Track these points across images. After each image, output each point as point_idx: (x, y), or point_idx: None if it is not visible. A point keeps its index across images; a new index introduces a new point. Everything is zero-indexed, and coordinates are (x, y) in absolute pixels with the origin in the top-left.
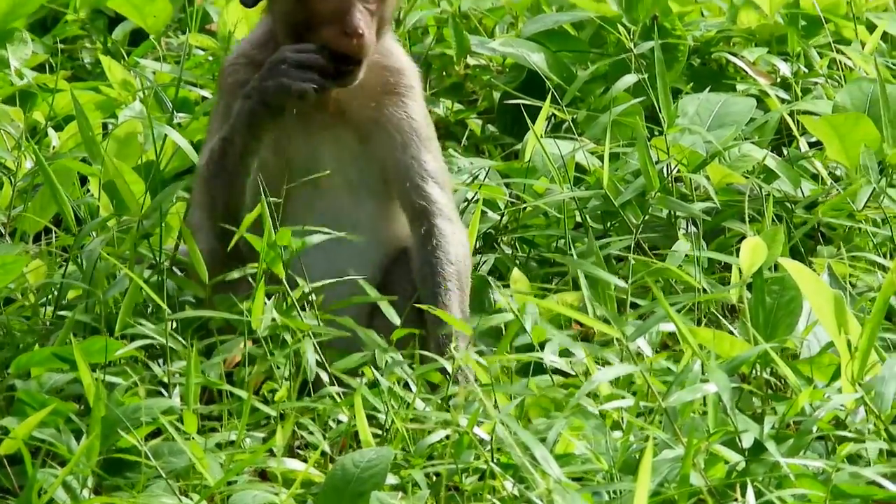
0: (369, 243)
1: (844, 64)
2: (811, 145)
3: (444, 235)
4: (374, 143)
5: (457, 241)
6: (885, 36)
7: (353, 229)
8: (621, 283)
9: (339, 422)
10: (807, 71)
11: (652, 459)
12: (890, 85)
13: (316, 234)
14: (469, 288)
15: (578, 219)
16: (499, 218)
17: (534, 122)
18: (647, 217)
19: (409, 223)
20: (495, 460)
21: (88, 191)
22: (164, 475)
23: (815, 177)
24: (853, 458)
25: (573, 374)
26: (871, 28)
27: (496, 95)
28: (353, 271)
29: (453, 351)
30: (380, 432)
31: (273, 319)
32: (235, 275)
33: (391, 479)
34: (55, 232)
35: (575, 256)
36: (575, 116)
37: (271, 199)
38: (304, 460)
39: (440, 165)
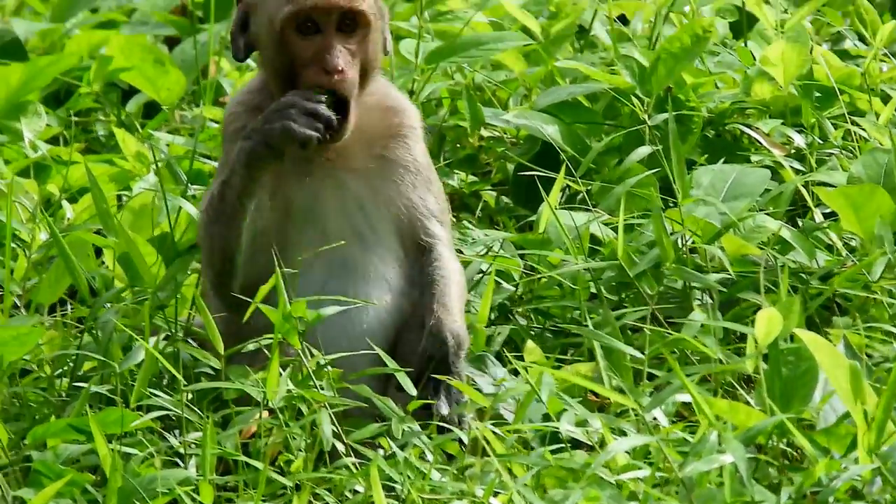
0: (381, 293)
1: (859, 135)
2: (826, 216)
3: (443, 256)
4: (379, 185)
5: (455, 261)
6: None
7: (363, 278)
8: (637, 354)
9: (355, 492)
10: (821, 142)
11: None
12: None
13: (330, 298)
14: (466, 297)
15: (593, 290)
16: (513, 289)
17: (548, 194)
18: (662, 288)
19: (413, 257)
20: None
21: (103, 262)
22: None
23: (830, 248)
24: None
25: (589, 444)
26: (886, 99)
27: (510, 167)
28: (367, 326)
29: (468, 420)
30: (396, 503)
31: (288, 390)
32: (251, 346)
33: None
34: (70, 303)
35: (590, 327)
36: (589, 188)
37: (285, 269)
38: None
39: (442, 204)
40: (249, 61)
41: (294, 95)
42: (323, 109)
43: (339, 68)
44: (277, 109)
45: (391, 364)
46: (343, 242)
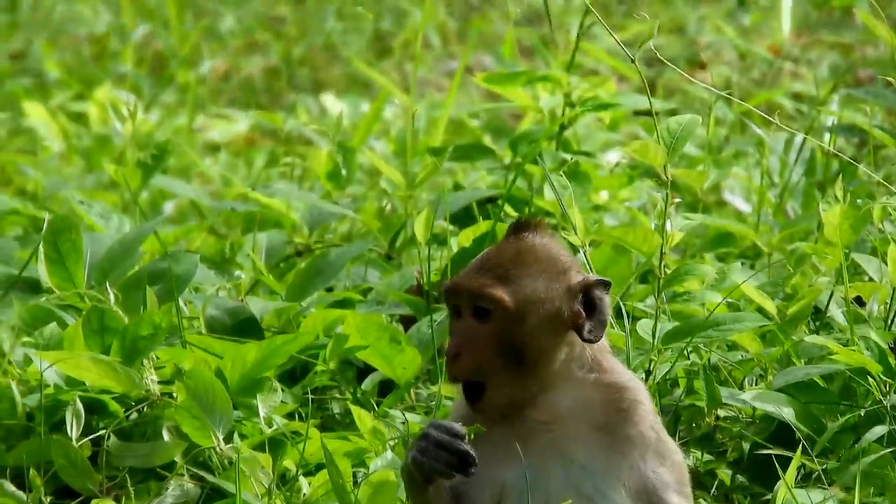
0: None
1: None
2: None
3: None
4: (605, 456)
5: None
6: None
7: None
8: None
9: None
10: None
11: None
12: None
13: None
14: None
15: None
16: None
17: (784, 472)
18: None
19: None
20: None
21: None
22: None
23: None
24: None
25: None
26: None
27: (746, 446)
28: None
29: None
30: None
31: None
32: None
33: None
34: None
35: None
36: (825, 466)
37: None
38: None
39: (679, 476)
40: None
41: (431, 426)
42: (457, 444)
43: (450, 354)
44: (417, 438)
45: None
46: (570, 501)
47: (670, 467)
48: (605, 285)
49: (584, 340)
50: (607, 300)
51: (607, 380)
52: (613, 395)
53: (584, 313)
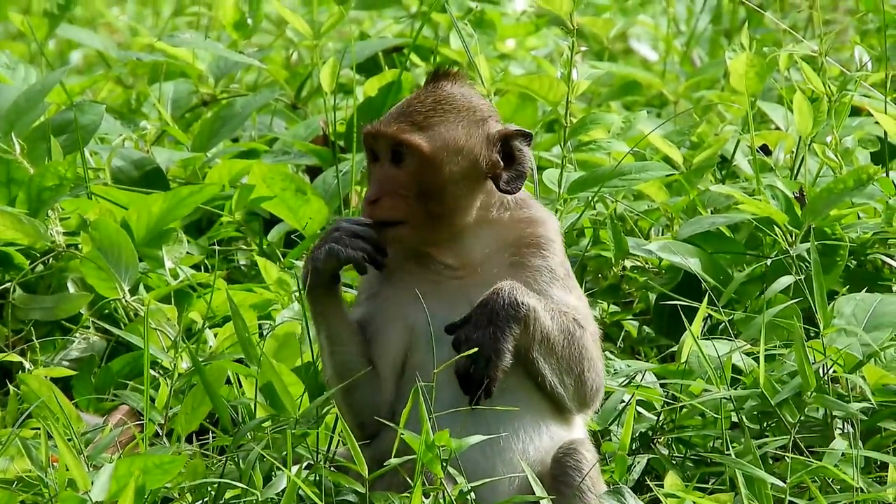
0: (517, 404)
1: None
2: None
3: (580, 316)
4: None
5: (592, 344)
6: None
7: (499, 390)
8: (778, 483)
9: None
10: None
11: None
12: None
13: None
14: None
15: (735, 419)
16: (655, 419)
17: (690, 324)
18: (803, 417)
19: None
20: None
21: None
22: None
23: None
24: None
25: None
26: None
27: (652, 297)
28: (504, 444)
29: None
30: None
31: None
32: (395, 461)
33: None
34: (213, 432)
35: (732, 456)
36: (731, 317)
37: (423, 384)
38: None
39: (582, 304)
40: None
41: (340, 220)
42: (366, 231)
43: (370, 199)
44: (325, 234)
45: (533, 478)
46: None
47: (575, 294)
48: (526, 136)
49: (501, 191)
50: (528, 152)
51: (523, 215)
52: (526, 230)
53: (501, 163)
